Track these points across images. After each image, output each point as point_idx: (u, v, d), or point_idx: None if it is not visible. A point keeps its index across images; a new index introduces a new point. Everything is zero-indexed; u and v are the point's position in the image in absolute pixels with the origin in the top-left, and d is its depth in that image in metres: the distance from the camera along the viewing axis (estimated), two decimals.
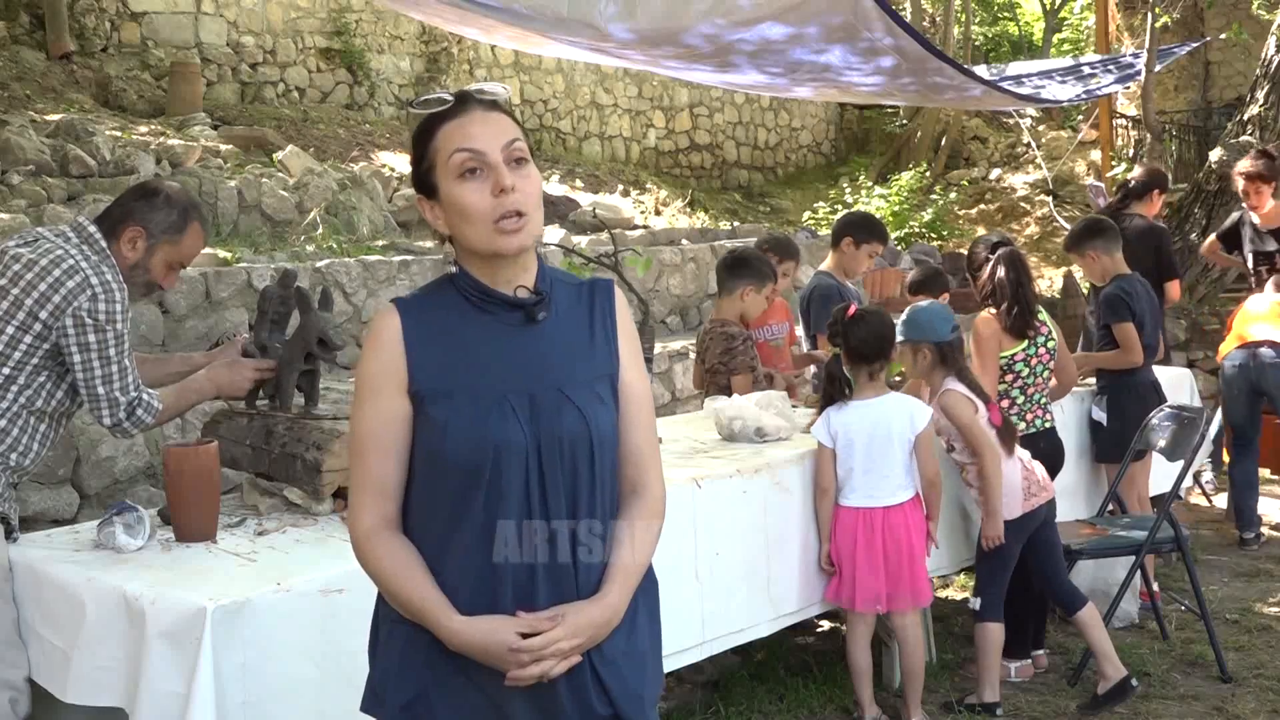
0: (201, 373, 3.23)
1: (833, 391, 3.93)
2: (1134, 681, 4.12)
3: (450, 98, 1.91)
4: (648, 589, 2.03)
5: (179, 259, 3.14)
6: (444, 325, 1.91)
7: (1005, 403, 4.38)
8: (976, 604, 4.11)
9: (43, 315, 2.89)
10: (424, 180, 1.92)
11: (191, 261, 3.22)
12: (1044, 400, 4.49)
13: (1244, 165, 6.75)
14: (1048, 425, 4.49)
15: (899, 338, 4.08)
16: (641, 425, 2.00)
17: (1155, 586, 4.90)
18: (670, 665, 3.46)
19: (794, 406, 4.36)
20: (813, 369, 5.14)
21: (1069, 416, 5.07)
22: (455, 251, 1.95)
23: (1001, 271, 4.37)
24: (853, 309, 3.99)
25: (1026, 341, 4.40)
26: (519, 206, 1.87)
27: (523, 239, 1.88)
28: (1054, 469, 4.50)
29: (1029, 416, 4.42)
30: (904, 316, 4.18)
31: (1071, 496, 5.02)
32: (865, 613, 3.92)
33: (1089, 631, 4.14)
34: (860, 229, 5.29)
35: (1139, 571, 4.60)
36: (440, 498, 1.88)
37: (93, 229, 3.02)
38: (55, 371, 2.99)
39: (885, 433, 3.85)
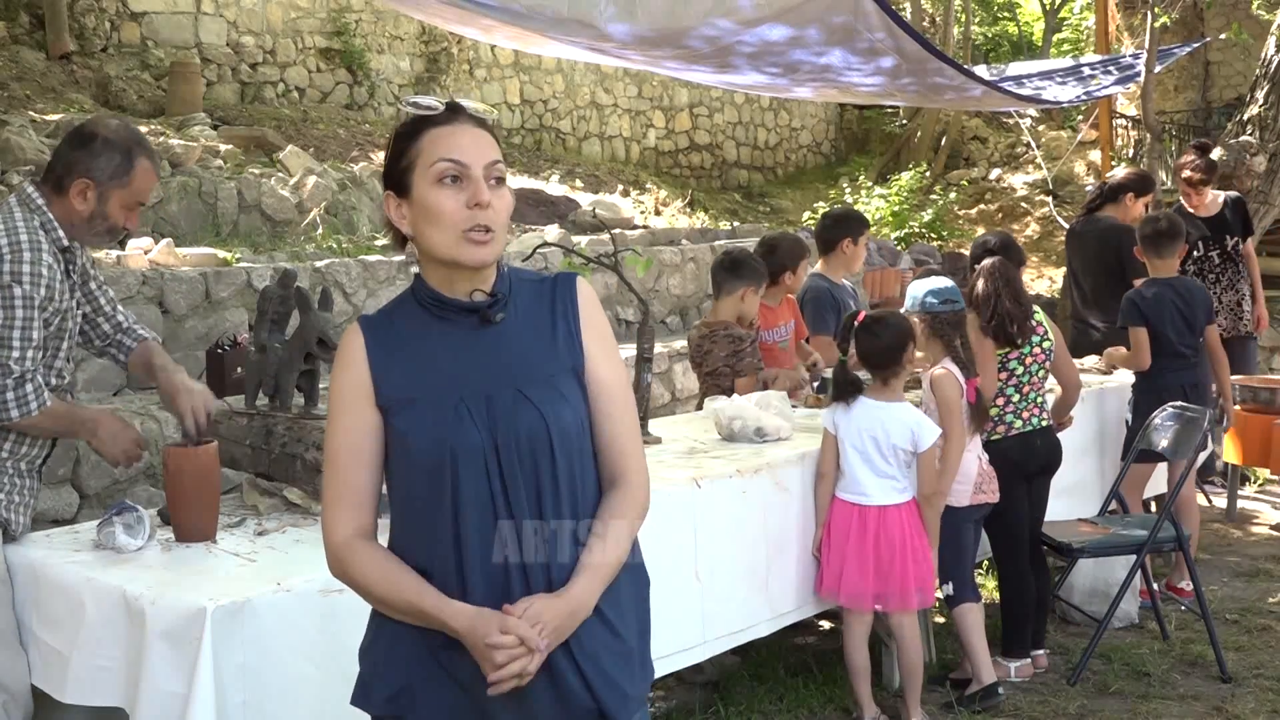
0: (99, 412, 3.07)
1: (842, 395, 3.97)
2: (1001, 689, 4.16)
3: (441, 105, 1.94)
4: (638, 587, 2.04)
5: (134, 199, 2.99)
6: (405, 337, 1.95)
7: (1000, 400, 4.40)
8: (948, 589, 4.16)
9: None
10: (399, 178, 1.94)
11: (149, 198, 3.05)
12: (1040, 399, 4.50)
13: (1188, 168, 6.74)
14: (1044, 424, 4.49)
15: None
16: (616, 417, 2.01)
17: (1155, 586, 4.91)
18: (670, 665, 3.46)
19: (794, 406, 4.37)
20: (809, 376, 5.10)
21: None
22: (417, 255, 1.97)
23: (980, 284, 4.41)
24: (861, 316, 4.05)
25: (1020, 339, 4.43)
26: (490, 223, 1.89)
27: (485, 254, 1.90)
28: (1051, 467, 4.51)
29: (1025, 415, 4.43)
30: None
31: (1072, 496, 5.02)
32: (860, 611, 3.93)
33: (963, 632, 4.19)
34: (853, 225, 5.33)
35: (1139, 571, 4.60)
36: (412, 505, 1.91)
37: (31, 190, 2.91)
38: None
39: (884, 437, 3.87)
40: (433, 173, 1.89)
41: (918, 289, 4.27)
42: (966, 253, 6.77)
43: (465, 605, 1.85)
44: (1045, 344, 4.48)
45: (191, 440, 2.96)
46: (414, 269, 2.00)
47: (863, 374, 4.02)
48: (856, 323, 4.02)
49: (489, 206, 1.89)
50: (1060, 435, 4.61)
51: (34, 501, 3.01)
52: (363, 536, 1.92)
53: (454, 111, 1.94)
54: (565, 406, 1.94)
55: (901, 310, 4.23)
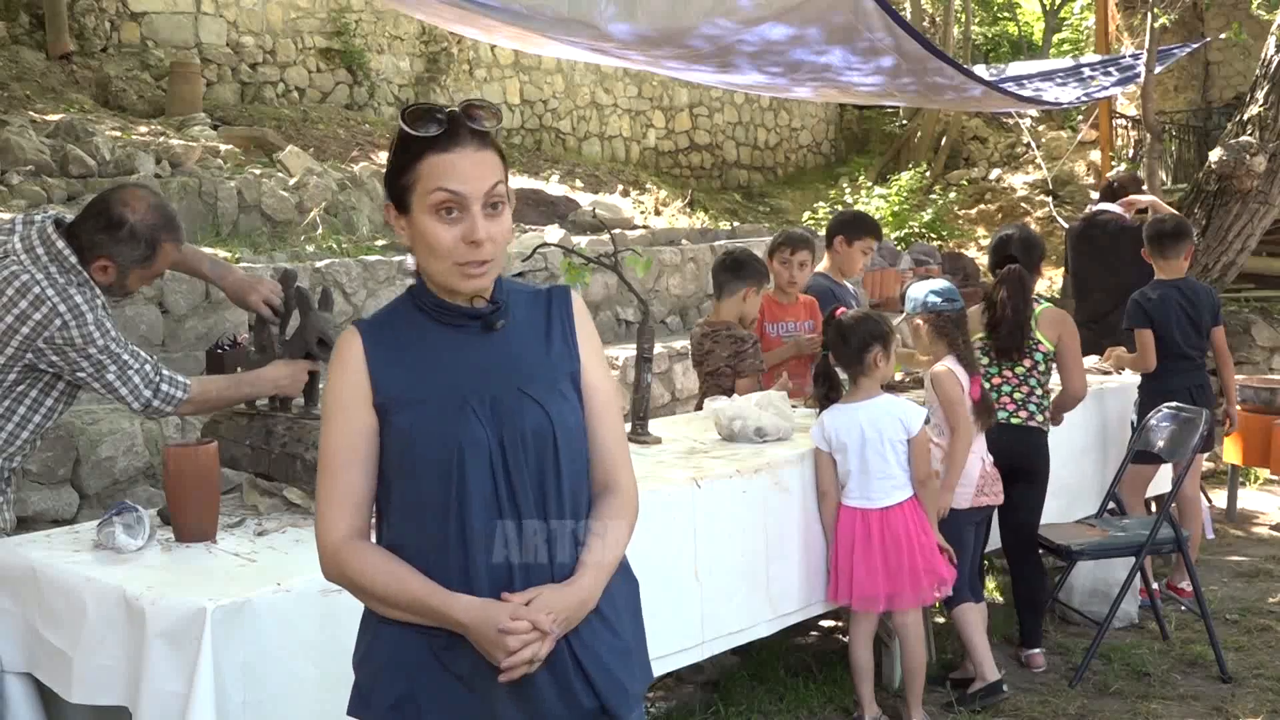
0: (262, 370, 3.18)
1: (826, 392, 3.98)
2: (1005, 686, 4.17)
3: (443, 121, 1.87)
4: (629, 589, 2.06)
5: (154, 275, 3.14)
6: (405, 339, 1.95)
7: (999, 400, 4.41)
8: (947, 589, 4.15)
9: (13, 343, 2.89)
10: (399, 194, 1.92)
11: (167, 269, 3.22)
12: (1020, 396, 4.50)
13: None
14: (1019, 421, 4.48)
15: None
16: (608, 423, 2.04)
17: (1155, 586, 4.90)
18: (670, 665, 3.46)
19: (794, 406, 4.37)
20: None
21: (1070, 415, 5.06)
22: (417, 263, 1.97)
23: (1004, 293, 4.40)
24: (839, 311, 4.04)
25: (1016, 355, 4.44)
26: (485, 256, 1.89)
27: (481, 283, 1.92)
28: (1031, 470, 4.49)
29: (1022, 415, 4.43)
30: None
31: (1072, 496, 5.01)
32: (869, 612, 3.93)
33: (963, 630, 4.20)
34: (851, 226, 5.31)
35: (1139, 572, 4.60)
36: (415, 504, 1.91)
37: (62, 245, 2.95)
38: (38, 383, 3.00)
39: (875, 435, 3.87)
40: (430, 202, 1.87)
41: (918, 291, 4.27)
42: (966, 253, 6.77)
43: (472, 598, 1.86)
44: (1036, 355, 4.47)
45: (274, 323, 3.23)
46: (410, 281, 2.00)
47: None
48: (834, 318, 4.02)
49: (484, 243, 1.88)
50: (1059, 435, 4.60)
51: (15, 499, 3.09)
52: (359, 536, 1.92)
53: (454, 132, 1.87)
54: (567, 406, 1.97)
55: (901, 314, 4.23)
